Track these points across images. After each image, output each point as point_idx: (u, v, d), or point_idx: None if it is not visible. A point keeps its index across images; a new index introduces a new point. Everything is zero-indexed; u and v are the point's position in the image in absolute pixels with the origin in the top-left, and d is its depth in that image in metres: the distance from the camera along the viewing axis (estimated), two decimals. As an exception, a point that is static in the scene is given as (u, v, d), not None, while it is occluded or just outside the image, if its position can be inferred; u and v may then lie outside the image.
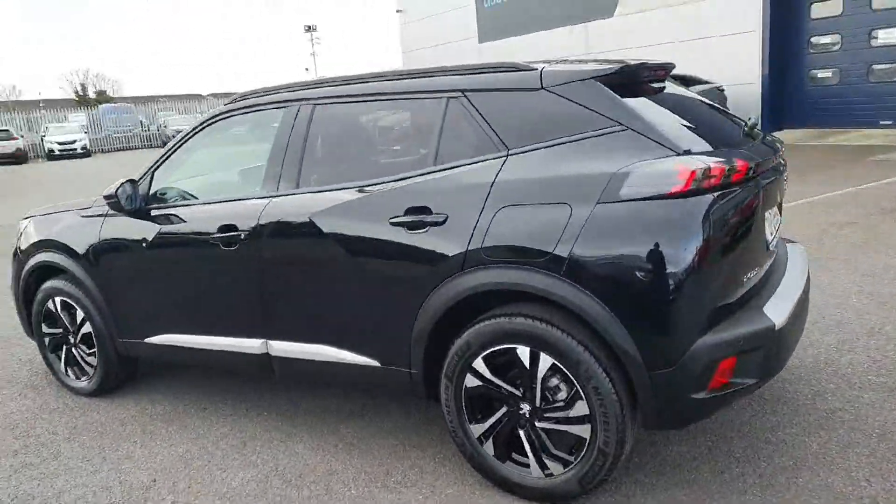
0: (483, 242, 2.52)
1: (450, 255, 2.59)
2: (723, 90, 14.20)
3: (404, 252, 2.70)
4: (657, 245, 2.27)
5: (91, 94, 68.10)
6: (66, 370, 4.00)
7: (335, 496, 2.80)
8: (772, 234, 2.79)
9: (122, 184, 3.43)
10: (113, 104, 44.48)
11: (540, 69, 2.64)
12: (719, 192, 2.34)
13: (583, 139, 2.48)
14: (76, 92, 69.52)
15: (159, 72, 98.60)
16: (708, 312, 2.34)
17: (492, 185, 2.56)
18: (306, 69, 59.54)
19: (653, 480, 2.74)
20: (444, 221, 2.62)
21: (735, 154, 2.47)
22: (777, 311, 2.47)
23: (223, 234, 3.13)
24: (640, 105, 2.54)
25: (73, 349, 3.93)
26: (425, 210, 2.66)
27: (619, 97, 2.50)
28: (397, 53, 26.39)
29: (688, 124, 2.60)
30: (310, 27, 58.61)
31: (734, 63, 15.39)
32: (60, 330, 3.97)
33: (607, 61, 2.77)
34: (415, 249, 2.68)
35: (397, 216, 2.70)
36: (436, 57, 23.47)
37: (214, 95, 59.04)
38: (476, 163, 2.64)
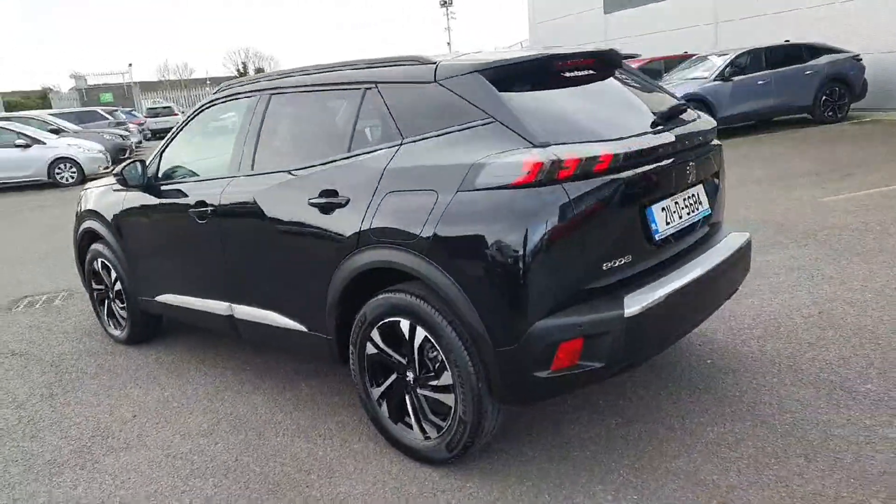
0: (372, 224, 2.77)
1: (347, 234, 2.87)
2: (859, 59, 12.94)
3: (319, 230, 3.01)
4: (501, 231, 2.41)
5: (251, 72, 73.17)
6: (108, 321, 4.73)
7: (263, 441, 3.21)
8: (673, 222, 2.80)
9: (132, 163, 4.01)
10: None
11: (437, 63, 2.81)
12: (574, 182, 2.42)
13: (460, 130, 2.64)
14: (238, 70, 74.66)
15: (310, 48, 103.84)
16: (551, 296, 2.44)
17: (383, 172, 2.79)
18: (447, 43, 60.24)
19: (531, 451, 2.88)
20: (346, 203, 2.89)
21: (612, 145, 2.53)
22: (637, 300, 2.50)
23: (197, 209, 3.60)
24: (518, 97, 2.64)
25: (112, 304, 4.64)
26: (334, 193, 2.95)
27: (494, 90, 2.62)
28: (525, 26, 26.23)
29: (573, 115, 2.69)
30: (444, 1, 59.26)
31: (873, 28, 13.93)
32: (103, 286, 4.69)
33: (535, 53, 2.87)
34: (325, 228, 2.98)
35: (313, 198, 3.01)
36: (561, 28, 23.12)
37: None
38: (376, 150, 2.88)
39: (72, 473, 3.09)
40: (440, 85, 2.75)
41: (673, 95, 3.30)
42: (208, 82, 66.20)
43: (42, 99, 39.64)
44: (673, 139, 2.79)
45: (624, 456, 2.80)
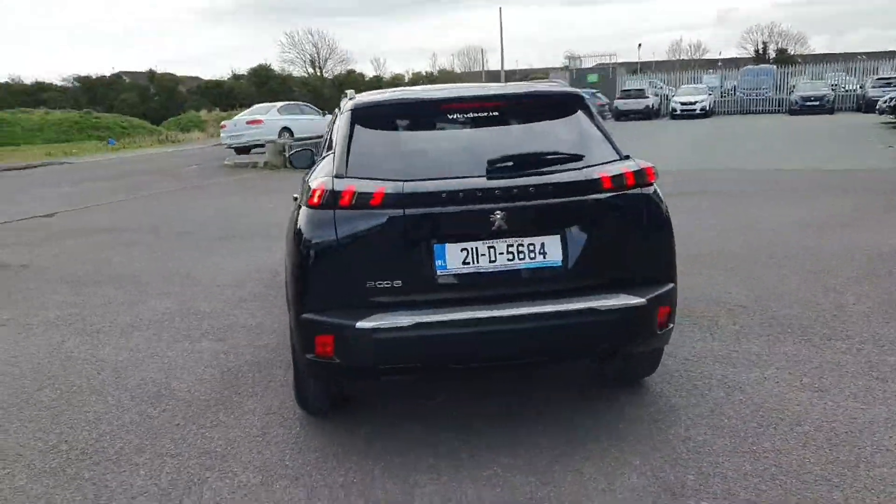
0: None
1: None
2: None
3: None
4: (293, 239, 3.08)
5: (771, 53, 68.46)
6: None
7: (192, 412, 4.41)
8: (477, 263, 2.92)
9: None
10: (755, 66, 45.12)
11: (354, 100, 3.45)
12: (347, 210, 2.91)
13: (329, 155, 3.33)
14: (756, 50, 70.16)
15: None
16: (316, 295, 2.98)
17: None
18: None
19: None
20: None
21: (396, 185, 2.89)
22: (378, 318, 2.81)
23: None
24: (361, 134, 3.17)
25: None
26: None
27: (349, 127, 3.20)
28: None
29: (390, 153, 3.11)
30: None
31: None
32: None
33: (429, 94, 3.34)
34: None
35: None
36: None
37: None
38: None
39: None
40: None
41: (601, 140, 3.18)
42: (720, 64, 65.40)
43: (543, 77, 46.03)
44: (488, 186, 2.91)
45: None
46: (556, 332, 2.92)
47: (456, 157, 3.13)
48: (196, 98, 51.29)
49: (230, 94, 51.80)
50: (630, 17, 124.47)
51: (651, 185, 3.15)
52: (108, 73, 52.78)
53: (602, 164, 3.08)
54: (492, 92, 3.39)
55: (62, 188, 15.24)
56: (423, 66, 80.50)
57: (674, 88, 38.69)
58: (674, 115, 34.38)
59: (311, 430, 3.36)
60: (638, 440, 3.12)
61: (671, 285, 3.17)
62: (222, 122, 21.52)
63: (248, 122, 19.24)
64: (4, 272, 7.00)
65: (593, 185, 2.99)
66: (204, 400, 3.74)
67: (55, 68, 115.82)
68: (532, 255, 2.97)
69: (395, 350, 2.91)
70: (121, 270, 6.88)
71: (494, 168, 2.99)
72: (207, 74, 67.30)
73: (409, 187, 2.90)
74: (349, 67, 61.60)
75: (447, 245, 2.93)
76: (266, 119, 19.21)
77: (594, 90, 35.30)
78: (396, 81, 58.66)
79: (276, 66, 57.53)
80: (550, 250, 2.98)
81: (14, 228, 9.82)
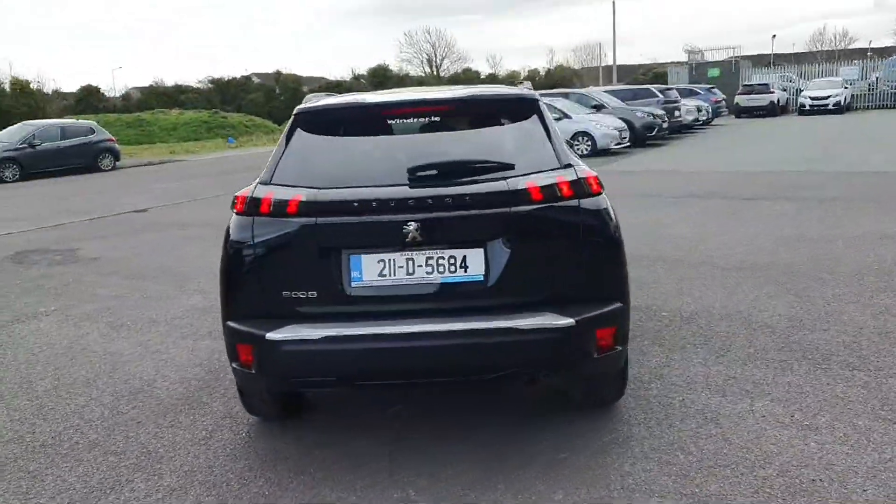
0: None
1: None
2: None
3: None
4: (222, 245, 3.05)
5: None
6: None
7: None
8: (394, 276, 2.80)
9: None
10: (902, 55, 40.92)
11: (309, 102, 3.42)
12: (265, 217, 2.88)
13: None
14: None
15: None
16: (237, 302, 2.96)
17: None
18: None
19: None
20: None
21: (312, 192, 2.83)
22: (289, 331, 2.77)
23: None
24: (299, 139, 3.12)
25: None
26: None
27: (292, 131, 3.16)
28: None
29: (323, 160, 3.04)
30: None
31: None
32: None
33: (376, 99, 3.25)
34: None
35: None
36: None
37: None
38: None
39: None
40: None
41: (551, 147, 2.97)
42: (869, 53, 59.71)
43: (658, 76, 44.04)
44: (401, 196, 2.78)
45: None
46: (472, 350, 2.75)
47: (385, 164, 3.01)
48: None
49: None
50: (766, 8, 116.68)
51: (595, 195, 2.89)
52: (239, 76, 56.27)
53: (535, 172, 2.85)
54: (435, 96, 3.24)
55: (168, 184, 16.38)
56: (540, 63, 79.72)
57: (807, 82, 35.84)
58: (802, 111, 31.88)
59: (258, 437, 3.37)
60: (573, 472, 2.87)
61: (617, 305, 2.89)
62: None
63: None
64: (74, 265, 7.58)
65: (519, 195, 2.78)
66: (176, 399, 3.85)
67: (193, 72, 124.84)
68: (452, 268, 2.80)
69: (304, 363, 2.85)
70: (171, 265, 7.26)
71: (416, 176, 2.85)
72: (333, 75, 69.97)
73: (323, 195, 2.83)
74: (465, 66, 62.12)
75: (363, 256, 2.83)
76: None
77: (711, 86, 33.44)
78: (511, 79, 58.41)
79: (393, 66, 59.03)
80: (472, 264, 2.80)
81: (106, 223, 10.63)
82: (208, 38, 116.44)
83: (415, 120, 3.07)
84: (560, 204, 2.81)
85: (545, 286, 2.83)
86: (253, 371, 2.90)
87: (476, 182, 2.83)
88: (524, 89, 3.39)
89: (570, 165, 2.92)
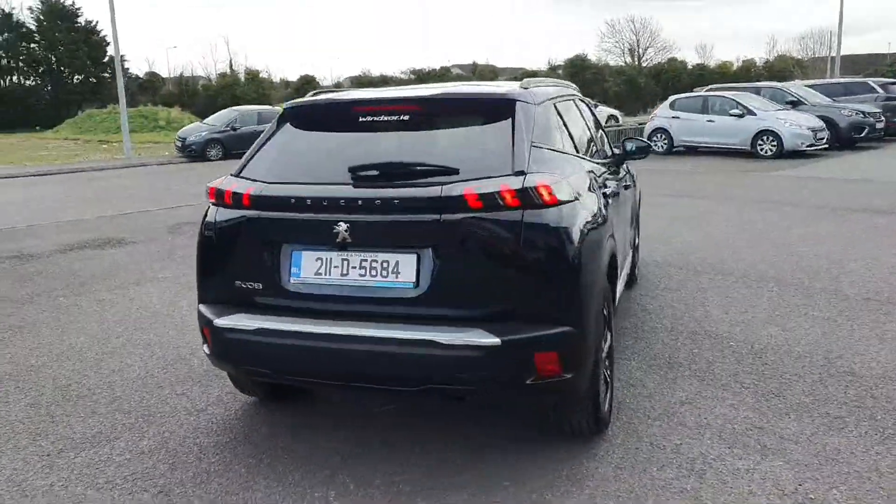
0: None
1: None
2: None
3: None
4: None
5: None
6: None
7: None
8: (329, 275, 2.78)
9: None
10: None
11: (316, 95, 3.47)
12: (223, 209, 2.98)
13: None
14: None
15: None
16: (205, 288, 3.09)
17: None
18: None
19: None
20: None
21: (261, 186, 2.89)
22: (233, 319, 2.87)
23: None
24: (281, 134, 3.17)
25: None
26: None
27: (276, 125, 3.21)
28: None
29: (291, 155, 3.08)
30: None
31: None
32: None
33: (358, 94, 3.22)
34: None
35: None
36: None
37: None
38: None
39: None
40: None
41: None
42: None
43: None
44: (333, 195, 2.74)
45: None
46: (392, 360, 2.64)
47: (337, 162, 2.94)
48: (513, 89, 53.92)
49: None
50: None
51: (547, 207, 2.61)
52: (438, 67, 58.36)
53: (481, 178, 2.63)
54: (406, 95, 3.12)
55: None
56: (758, 53, 72.58)
57: None
58: None
59: (242, 416, 3.51)
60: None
61: (565, 329, 2.60)
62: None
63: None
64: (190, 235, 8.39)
65: (453, 202, 2.59)
66: (203, 371, 4.08)
67: (398, 63, 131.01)
68: (385, 273, 2.71)
69: (241, 352, 2.93)
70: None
71: (358, 176, 2.77)
72: (530, 65, 69.95)
73: (268, 190, 2.88)
74: (670, 55, 58.82)
75: (304, 253, 2.83)
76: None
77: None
78: (722, 70, 54.30)
79: (592, 56, 57.58)
80: (404, 271, 2.68)
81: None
82: (413, 29, 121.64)
83: (385, 118, 2.98)
84: (499, 214, 2.58)
85: (481, 301, 2.62)
86: (209, 353, 3.04)
87: (412, 186, 2.69)
88: (515, 88, 3.13)
89: (522, 172, 2.65)
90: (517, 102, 2.93)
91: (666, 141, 17.36)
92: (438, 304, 2.65)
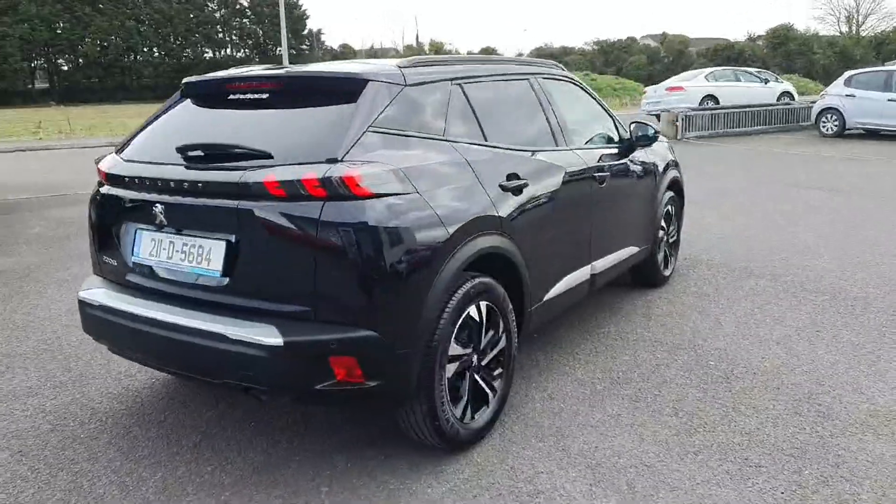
0: None
1: None
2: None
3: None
4: None
5: None
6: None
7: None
8: (159, 257, 2.78)
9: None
10: None
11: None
12: (103, 188, 3.04)
13: None
14: None
15: None
16: (93, 262, 3.18)
17: None
18: None
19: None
20: None
21: (123, 165, 2.95)
22: (85, 293, 2.98)
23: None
24: (172, 110, 3.16)
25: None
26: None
27: (168, 104, 3.22)
28: None
29: (165, 133, 3.06)
30: None
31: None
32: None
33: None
34: None
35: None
36: None
37: None
38: None
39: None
40: None
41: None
42: None
43: None
44: (151, 176, 2.77)
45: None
46: (190, 350, 2.58)
47: (181, 141, 2.82)
48: (703, 61, 50.12)
49: (739, 57, 48.96)
50: None
51: (358, 199, 2.41)
52: (625, 37, 55.73)
53: (293, 164, 2.48)
54: (266, 73, 3.00)
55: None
56: None
57: None
58: None
59: (209, 405, 3.68)
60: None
61: (366, 334, 2.42)
62: (644, 88, 21.00)
63: (668, 89, 18.40)
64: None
65: (251, 189, 2.47)
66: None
67: (585, 34, 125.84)
68: (199, 259, 2.67)
69: (90, 325, 3.01)
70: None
71: (186, 157, 2.73)
72: (727, 35, 64.30)
73: (116, 168, 2.94)
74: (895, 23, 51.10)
75: (144, 233, 2.86)
76: (688, 86, 18.03)
77: None
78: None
79: (799, 26, 51.67)
80: (213, 258, 2.62)
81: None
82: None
83: (248, 97, 2.88)
84: (300, 205, 2.42)
85: (283, 297, 2.49)
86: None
87: (219, 169, 2.61)
88: (382, 67, 2.89)
89: (335, 160, 2.46)
90: (369, 82, 2.71)
91: (837, 122, 15.22)
92: (243, 296, 2.57)
